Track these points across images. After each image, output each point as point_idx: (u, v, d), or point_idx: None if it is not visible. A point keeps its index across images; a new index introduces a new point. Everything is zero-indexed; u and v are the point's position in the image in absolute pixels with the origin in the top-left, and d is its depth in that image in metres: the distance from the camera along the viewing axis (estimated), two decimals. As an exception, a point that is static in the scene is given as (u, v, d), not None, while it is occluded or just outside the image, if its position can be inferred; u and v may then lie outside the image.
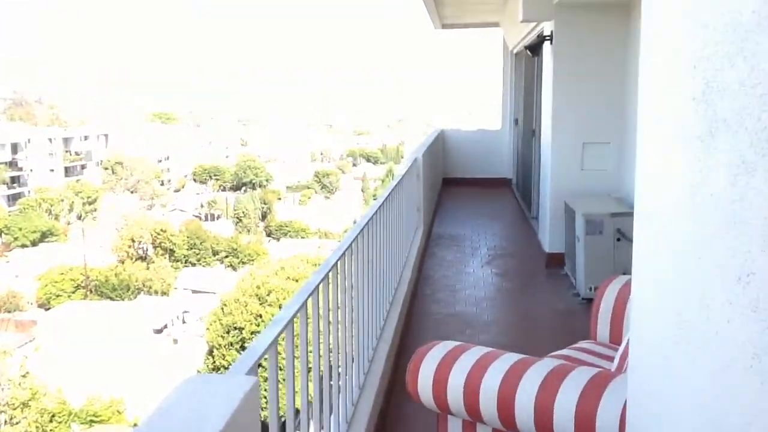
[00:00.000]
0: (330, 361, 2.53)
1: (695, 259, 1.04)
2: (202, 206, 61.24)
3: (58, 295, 37.53)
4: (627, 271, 5.21)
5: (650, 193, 1.29)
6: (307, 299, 2.08)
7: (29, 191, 57.07)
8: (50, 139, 60.95)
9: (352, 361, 2.99)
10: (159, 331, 33.52)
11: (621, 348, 2.38)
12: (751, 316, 0.86)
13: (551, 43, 6.30)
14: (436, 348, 2.38)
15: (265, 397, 1.72)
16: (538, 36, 6.98)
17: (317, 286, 2.24)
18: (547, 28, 6.48)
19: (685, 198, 1.07)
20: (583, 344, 3.08)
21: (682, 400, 1.14)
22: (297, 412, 2.02)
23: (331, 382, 2.54)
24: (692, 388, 1.08)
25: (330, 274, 2.49)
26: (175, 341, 33.19)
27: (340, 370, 2.73)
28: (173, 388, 1.24)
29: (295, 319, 1.95)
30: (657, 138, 1.24)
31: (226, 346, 24.83)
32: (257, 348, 1.58)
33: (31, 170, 58.99)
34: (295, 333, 1.97)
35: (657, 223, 1.25)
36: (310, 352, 2.25)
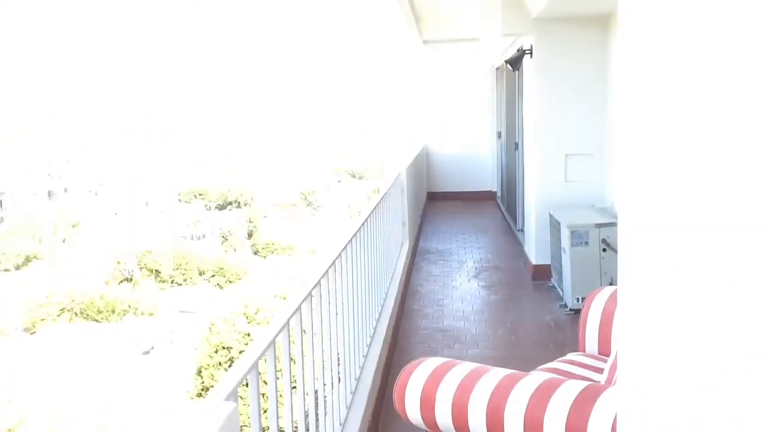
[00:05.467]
0: (315, 382, 2.49)
1: (685, 265, 1.01)
2: (187, 226, 60.92)
3: (42, 319, 37.07)
4: (613, 281, 5.21)
5: (635, 200, 1.27)
6: (289, 319, 2.04)
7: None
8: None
9: (339, 381, 2.95)
10: (147, 353, 33.24)
11: (610, 360, 2.36)
12: (750, 326, 0.83)
13: (531, 56, 6.33)
14: (423, 365, 2.35)
15: (247, 425, 1.68)
16: (518, 50, 7.02)
17: (300, 305, 2.20)
18: (526, 42, 6.51)
19: (671, 203, 1.05)
20: (572, 356, 3.05)
21: (672, 414, 1.11)
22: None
23: (318, 403, 2.50)
24: (683, 402, 1.06)
25: (314, 291, 2.46)
26: (164, 362, 32.87)
27: (326, 390, 2.69)
28: (152, 422, 1.20)
29: (277, 340, 1.91)
30: (640, 142, 1.22)
31: (215, 366, 24.65)
32: (237, 372, 1.54)
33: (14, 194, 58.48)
34: (278, 355, 1.93)
35: (642, 231, 1.23)
36: (294, 377, 2.21)
